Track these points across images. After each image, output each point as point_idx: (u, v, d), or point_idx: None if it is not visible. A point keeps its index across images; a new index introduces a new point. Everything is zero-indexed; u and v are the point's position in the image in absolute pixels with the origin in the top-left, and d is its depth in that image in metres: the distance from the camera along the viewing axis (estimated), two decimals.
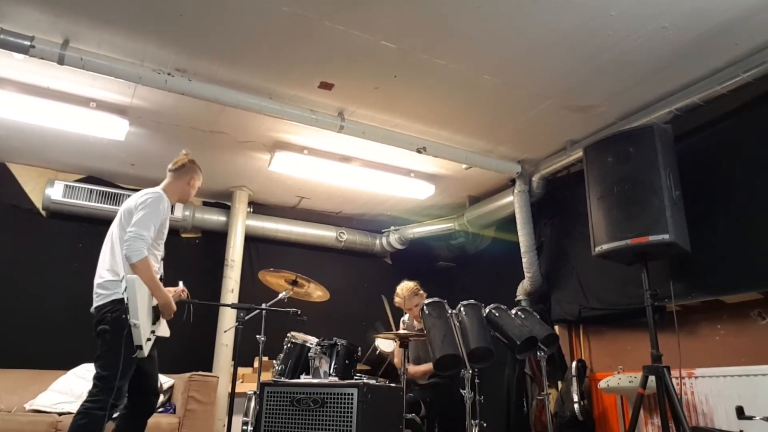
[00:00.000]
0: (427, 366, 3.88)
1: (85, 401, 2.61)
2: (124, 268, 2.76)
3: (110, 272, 2.79)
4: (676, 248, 3.15)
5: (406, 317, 4.37)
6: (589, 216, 3.49)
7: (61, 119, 3.97)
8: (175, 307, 2.91)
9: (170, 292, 2.98)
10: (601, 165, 3.45)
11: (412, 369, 4.00)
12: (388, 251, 6.39)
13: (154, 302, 2.81)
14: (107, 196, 4.99)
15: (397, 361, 4.39)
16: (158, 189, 2.99)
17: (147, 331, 2.72)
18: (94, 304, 2.77)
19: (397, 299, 4.27)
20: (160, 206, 2.86)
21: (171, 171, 3.13)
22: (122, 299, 2.67)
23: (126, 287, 2.67)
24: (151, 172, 4.96)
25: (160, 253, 2.97)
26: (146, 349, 2.70)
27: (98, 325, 2.71)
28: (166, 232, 2.98)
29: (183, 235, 5.43)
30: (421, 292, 4.19)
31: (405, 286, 4.24)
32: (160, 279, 2.90)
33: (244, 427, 3.21)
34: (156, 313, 2.83)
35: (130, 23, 3.13)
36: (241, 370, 4.67)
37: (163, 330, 2.96)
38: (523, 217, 4.75)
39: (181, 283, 3.17)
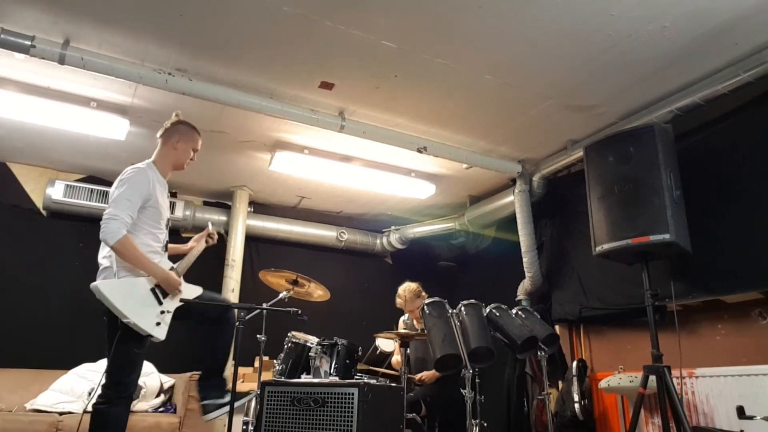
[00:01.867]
0: (434, 373, 3.88)
1: (97, 400, 2.53)
2: (109, 258, 2.61)
3: (105, 259, 2.67)
4: (676, 248, 3.15)
5: (405, 317, 4.36)
6: (589, 216, 3.49)
7: (62, 119, 3.98)
8: (176, 279, 2.69)
9: (181, 249, 2.95)
10: (602, 165, 3.45)
11: (425, 376, 3.98)
12: (389, 251, 6.39)
13: (151, 283, 2.62)
14: (108, 196, 4.96)
15: (395, 361, 4.37)
16: (144, 162, 2.79)
17: (152, 317, 2.57)
18: None
19: (398, 300, 4.26)
20: (138, 181, 2.63)
21: (158, 137, 2.90)
22: None
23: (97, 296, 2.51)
24: None
25: (163, 234, 2.78)
26: (159, 332, 2.58)
27: (105, 315, 2.58)
28: (163, 210, 2.78)
29: (183, 235, 5.42)
30: (423, 294, 4.18)
31: (407, 288, 4.23)
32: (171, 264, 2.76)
33: (245, 427, 3.22)
34: (160, 292, 2.64)
35: (130, 23, 3.13)
36: (241, 370, 4.66)
37: (187, 292, 2.76)
38: (523, 216, 4.75)
39: (210, 225, 3.11)
